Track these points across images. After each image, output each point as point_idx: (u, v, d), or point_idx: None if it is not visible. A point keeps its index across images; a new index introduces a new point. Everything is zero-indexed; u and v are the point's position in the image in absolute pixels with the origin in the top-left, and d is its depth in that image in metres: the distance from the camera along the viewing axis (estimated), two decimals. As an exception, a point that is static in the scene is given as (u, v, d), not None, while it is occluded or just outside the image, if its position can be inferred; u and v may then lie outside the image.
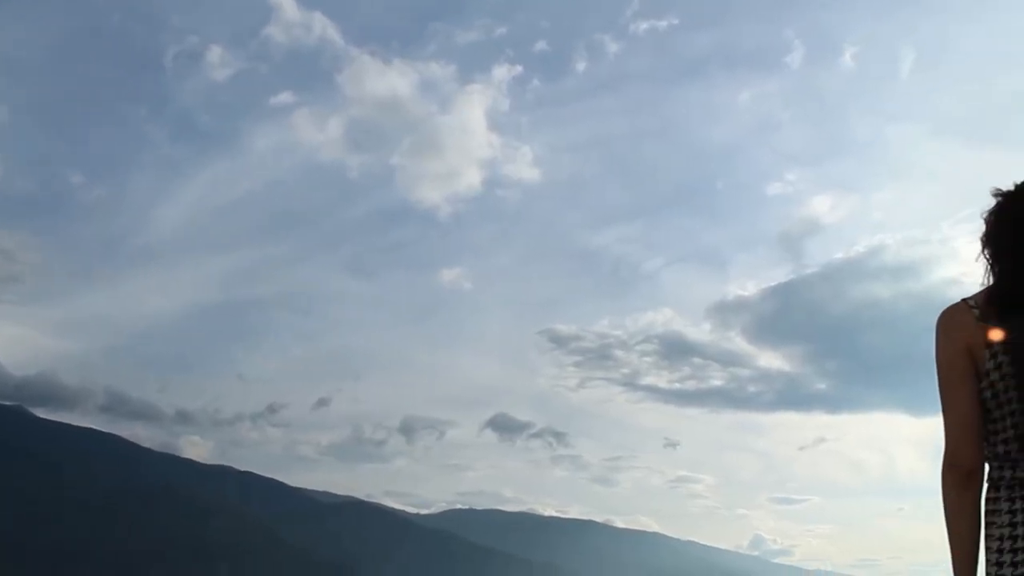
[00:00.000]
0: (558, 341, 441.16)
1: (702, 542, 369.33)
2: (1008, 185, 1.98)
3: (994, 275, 1.95)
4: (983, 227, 1.99)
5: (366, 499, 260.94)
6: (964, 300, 1.94)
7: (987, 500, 1.87)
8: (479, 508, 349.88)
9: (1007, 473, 1.84)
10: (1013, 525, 1.79)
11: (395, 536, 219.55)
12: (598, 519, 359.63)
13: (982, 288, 1.96)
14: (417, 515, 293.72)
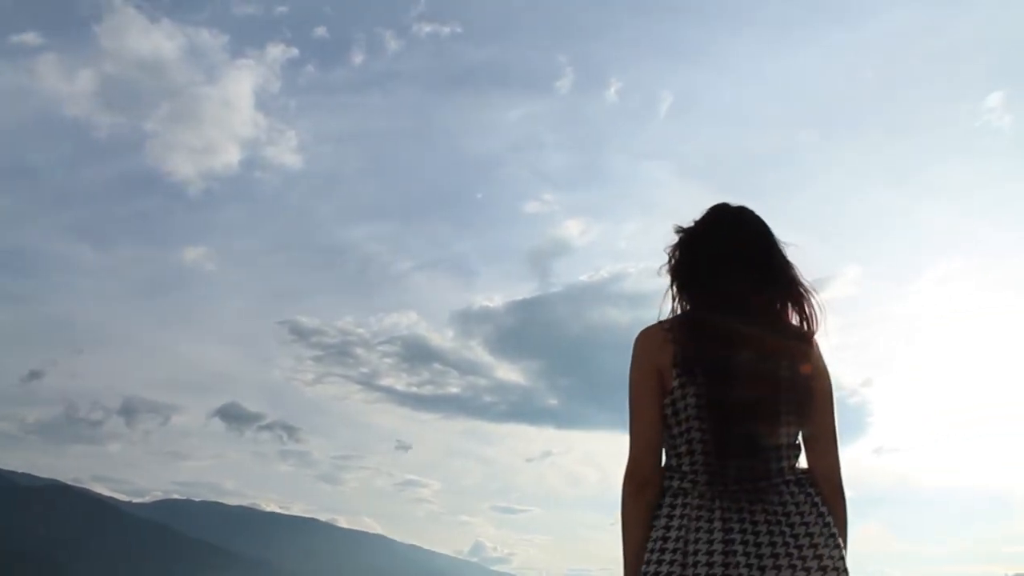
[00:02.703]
0: (299, 333, 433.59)
1: (424, 546, 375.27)
2: (688, 223, 2.13)
3: (680, 304, 2.09)
4: (668, 260, 2.13)
5: (72, 483, 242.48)
6: (660, 322, 2.06)
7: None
8: (197, 499, 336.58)
9: (674, 483, 1.96)
10: (667, 528, 1.92)
11: (100, 525, 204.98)
12: (321, 518, 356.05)
13: (673, 314, 2.08)
14: (128, 503, 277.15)
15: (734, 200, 2.14)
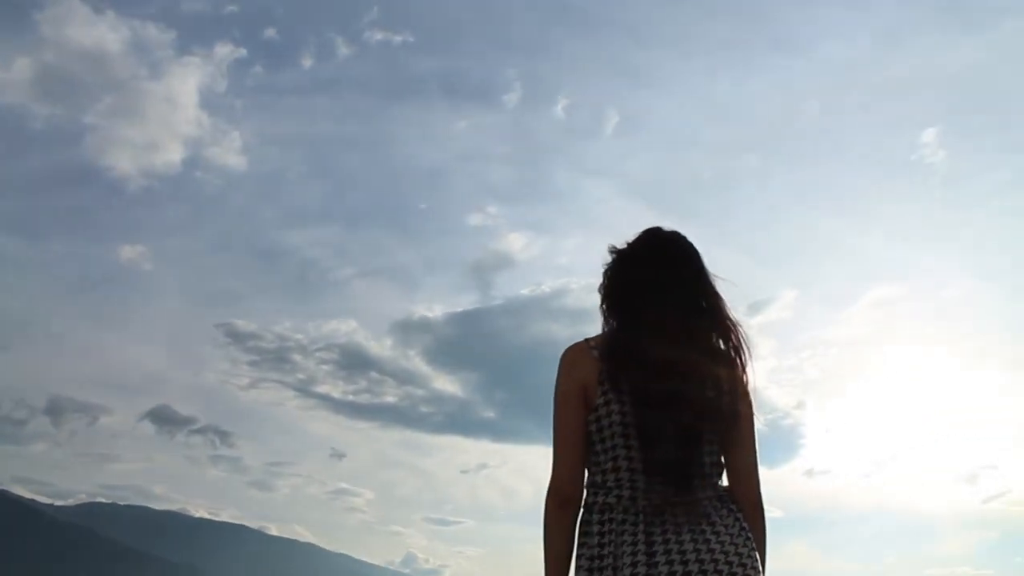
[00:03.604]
0: (235, 337, 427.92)
1: (355, 556, 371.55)
2: (621, 244, 2.17)
3: (609, 323, 2.13)
4: (602, 280, 2.16)
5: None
6: (586, 340, 2.09)
7: (581, 523, 2.02)
8: (123, 503, 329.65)
9: (600, 499, 2.00)
10: (601, 545, 1.96)
11: (20, 529, 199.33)
12: (251, 524, 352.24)
13: (601, 332, 2.12)
14: (51, 506, 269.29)
15: (675, 222, 2.33)
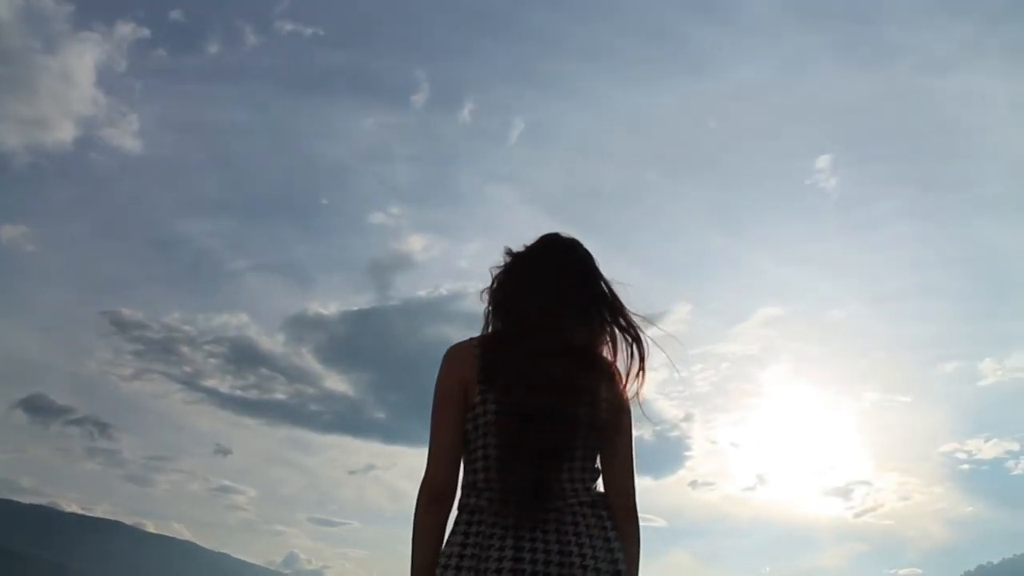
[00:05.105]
0: (120, 326, 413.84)
1: (235, 555, 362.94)
2: (519, 247, 2.17)
3: (493, 323, 2.13)
4: (491, 281, 2.15)
5: None
6: (471, 339, 2.09)
7: (452, 522, 2.00)
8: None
9: (472, 500, 1.99)
10: (463, 546, 1.94)
11: None
12: (127, 521, 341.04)
13: (484, 332, 2.13)
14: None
15: (576, 231, 2.14)
